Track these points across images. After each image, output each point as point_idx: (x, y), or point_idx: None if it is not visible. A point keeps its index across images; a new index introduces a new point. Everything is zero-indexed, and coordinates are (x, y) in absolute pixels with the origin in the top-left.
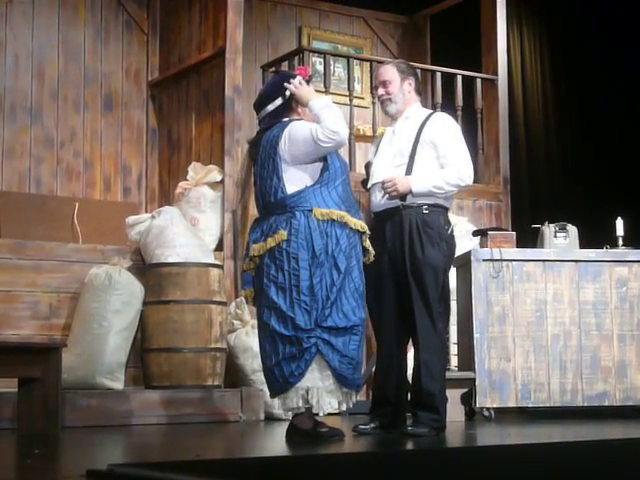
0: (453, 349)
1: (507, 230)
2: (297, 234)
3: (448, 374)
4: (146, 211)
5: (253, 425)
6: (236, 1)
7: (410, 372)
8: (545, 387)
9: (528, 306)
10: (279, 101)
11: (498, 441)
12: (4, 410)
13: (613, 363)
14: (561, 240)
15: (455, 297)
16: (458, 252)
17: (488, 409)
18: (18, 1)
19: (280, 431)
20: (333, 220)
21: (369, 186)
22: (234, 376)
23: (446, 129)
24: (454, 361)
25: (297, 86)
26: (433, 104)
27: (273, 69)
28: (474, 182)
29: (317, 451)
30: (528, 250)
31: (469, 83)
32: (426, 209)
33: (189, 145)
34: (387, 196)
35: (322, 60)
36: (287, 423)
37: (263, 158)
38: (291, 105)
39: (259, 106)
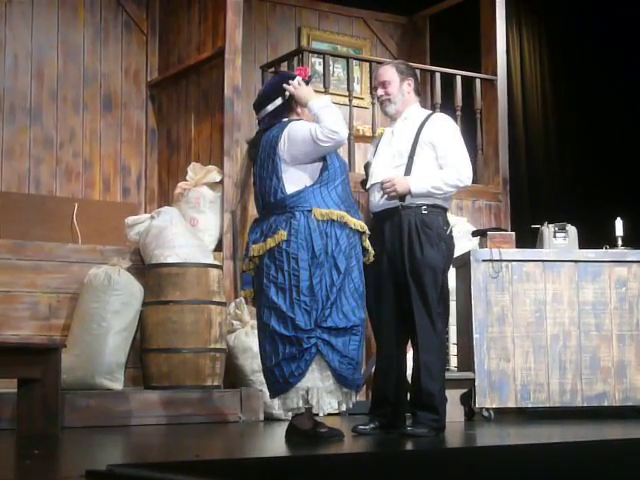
0: (452, 349)
1: (506, 230)
2: (297, 234)
3: (448, 374)
4: (145, 211)
5: (253, 425)
6: (235, 1)
7: (410, 372)
8: (544, 387)
9: (527, 306)
10: (279, 101)
11: (498, 441)
12: (3, 410)
13: (612, 363)
14: (560, 240)
15: (454, 297)
16: (457, 252)
17: (487, 409)
18: (17, 1)
19: (280, 431)
20: (333, 220)
21: (368, 186)
22: (233, 376)
23: (445, 130)
24: (453, 361)
25: (296, 86)
26: (432, 104)
27: (272, 69)
28: (473, 182)
29: (317, 451)
30: (527, 250)
31: (468, 83)
32: (425, 209)
33: (188, 145)
34: (386, 196)
35: (321, 60)
36: (287, 423)
37: (262, 158)
38: (290, 105)
39: (258, 106)
